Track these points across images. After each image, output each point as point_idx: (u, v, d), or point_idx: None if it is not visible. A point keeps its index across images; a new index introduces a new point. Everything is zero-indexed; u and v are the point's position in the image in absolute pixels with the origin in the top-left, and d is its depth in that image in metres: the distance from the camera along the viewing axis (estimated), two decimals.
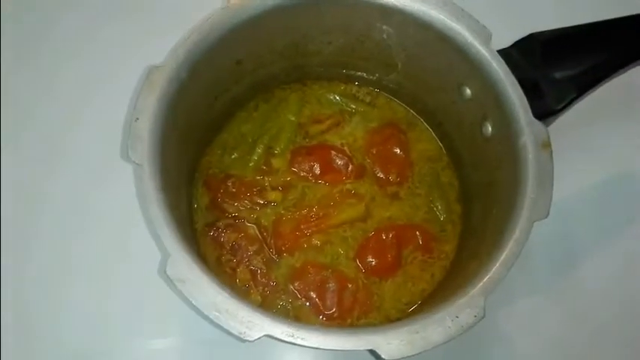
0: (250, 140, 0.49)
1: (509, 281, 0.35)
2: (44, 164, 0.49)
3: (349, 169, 0.49)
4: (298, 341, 0.33)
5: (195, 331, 0.46)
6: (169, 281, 0.33)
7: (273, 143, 0.49)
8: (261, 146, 0.49)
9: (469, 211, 0.47)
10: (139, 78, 0.37)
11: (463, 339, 0.34)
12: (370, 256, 0.46)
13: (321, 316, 0.44)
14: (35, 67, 0.52)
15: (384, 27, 0.43)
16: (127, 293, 0.45)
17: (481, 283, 0.35)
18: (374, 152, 0.50)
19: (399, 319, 0.44)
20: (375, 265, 0.46)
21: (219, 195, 0.47)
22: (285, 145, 0.49)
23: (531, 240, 0.36)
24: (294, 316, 0.44)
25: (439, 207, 0.48)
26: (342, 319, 0.44)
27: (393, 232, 0.47)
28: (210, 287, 0.34)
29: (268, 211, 0.47)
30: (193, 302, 0.33)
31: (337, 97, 0.51)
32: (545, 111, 0.40)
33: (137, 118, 0.37)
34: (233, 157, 0.49)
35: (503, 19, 0.42)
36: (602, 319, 0.49)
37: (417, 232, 0.47)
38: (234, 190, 0.47)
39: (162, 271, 0.34)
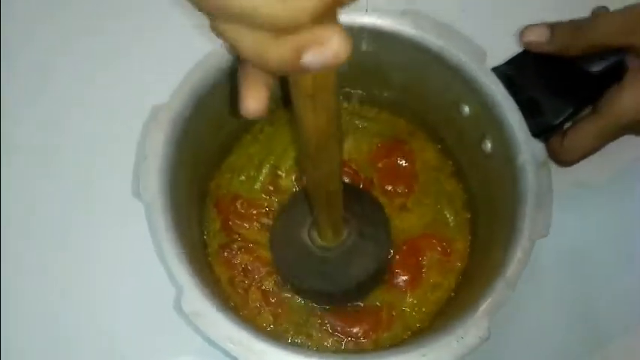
0: (257, 162, 0.50)
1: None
2: (60, 206, 0.51)
3: (357, 183, 0.49)
4: None
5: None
6: (184, 315, 0.35)
7: (279, 163, 0.50)
8: (267, 166, 0.50)
9: (476, 220, 0.48)
10: (146, 117, 0.39)
11: None
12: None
13: (339, 335, 0.45)
14: (42, 112, 0.54)
15: (376, 48, 0.44)
16: (143, 325, 0.47)
17: (485, 305, 0.36)
18: (380, 166, 0.50)
19: (419, 328, 0.45)
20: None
21: (230, 216, 0.48)
22: (290, 164, 0.50)
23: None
24: (308, 334, 0.45)
25: (447, 215, 0.49)
26: (367, 337, 0.45)
27: (409, 243, 0.47)
28: (223, 320, 0.35)
29: None
30: (208, 334, 0.34)
31: None
32: (541, 127, 0.41)
33: (145, 157, 0.38)
34: (241, 179, 0.50)
35: (498, 36, 0.43)
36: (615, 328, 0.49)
37: (433, 240, 0.47)
38: (242, 211, 0.48)
39: (178, 307, 0.35)
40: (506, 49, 0.43)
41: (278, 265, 0.45)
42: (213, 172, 0.49)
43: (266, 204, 0.49)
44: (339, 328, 0.44)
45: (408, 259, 0.47)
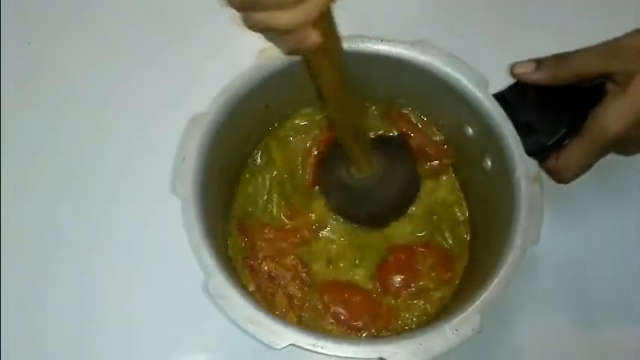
0: (265, 194, 0.53)
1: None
2: (105, 200, 0.58)
3: None
4: (319, 349, 0.38)
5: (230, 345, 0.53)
6: (210, 298, 0.40)
7: (282, 189, 0.53)
8: (275, 196, 0.53)
9: (475, 235, 0.52)
10: (184, 124, 0.44)
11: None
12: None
13: (346, 327, 0.49)
14: (97, 123, 0.61)
15: (388, 73, 0.48)
16: (173, 309, 0.53)
17: (478, 302, 0.40)
18: (403, 129, 0.53)
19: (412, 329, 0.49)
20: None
21: (257, 241, 0.51)
22: (297, 182, 0.53)
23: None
24: (322, 326, 0.49)
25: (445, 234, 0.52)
26: (367, 329, 0.49)
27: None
28: (244, 303, 0.40)
29: (304, 248, 0.52)
30: (231, 315, 0.39)
31: None
32: (537, 147, 0.45)
33: (183, 159, 0.43)
34: (259, 208, 0.52)
35: (501, 65, 0.47)
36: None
37: (428, 249, 0.51)
38: (271, 236, 0.51)
39: (205, 290, 0.40)
40: (506, 77, 0.47)
41: (328, 201, 0.52)
42: (235, 195, 0.53)
43: (289, 227, 0.52)
44: (342, 317, 0.49)
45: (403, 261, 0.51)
